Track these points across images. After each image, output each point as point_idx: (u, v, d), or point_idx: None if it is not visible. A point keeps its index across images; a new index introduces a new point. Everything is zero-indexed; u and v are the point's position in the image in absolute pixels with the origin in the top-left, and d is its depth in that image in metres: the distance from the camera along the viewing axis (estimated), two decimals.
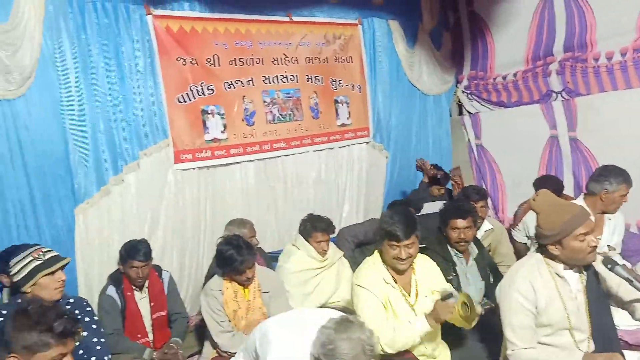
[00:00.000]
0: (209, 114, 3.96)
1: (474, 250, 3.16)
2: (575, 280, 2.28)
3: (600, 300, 2.29)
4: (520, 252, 3.78)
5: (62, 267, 2.45)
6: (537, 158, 4.85)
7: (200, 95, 3.90)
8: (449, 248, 3.10)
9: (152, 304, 3.32)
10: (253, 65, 4.18)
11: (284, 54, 4.36)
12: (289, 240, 4.03)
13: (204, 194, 3.96)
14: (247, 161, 4.20)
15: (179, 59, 3.77)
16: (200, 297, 3.18)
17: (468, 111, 5.49)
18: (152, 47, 3.65)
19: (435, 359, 2.62)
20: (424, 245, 3.14)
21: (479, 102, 5.35)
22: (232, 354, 2.73)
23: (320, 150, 4.66)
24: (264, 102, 4.27)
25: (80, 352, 2.35)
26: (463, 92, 5.49)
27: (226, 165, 4.08)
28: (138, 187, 3.62)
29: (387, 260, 2.57)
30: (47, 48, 3.14)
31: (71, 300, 2.61)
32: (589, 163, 4.43)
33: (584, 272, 2.29)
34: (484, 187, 5.02)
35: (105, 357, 2.57)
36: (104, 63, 3.43)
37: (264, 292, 3.13)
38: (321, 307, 3.41)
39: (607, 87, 4.30)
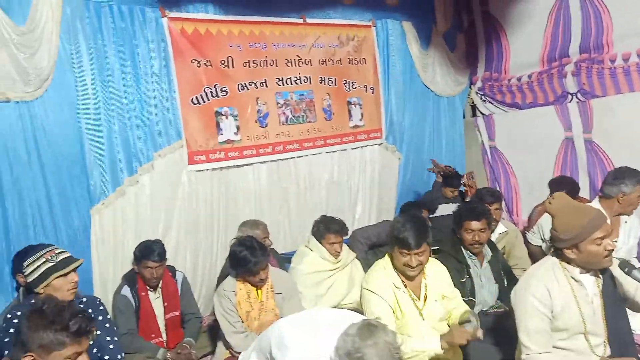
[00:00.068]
0: (223, 115, 3.98)
1: (488, 252, 3.14)
2: (592, 284, 2.25)
3: (616, 304, 2.26)
4: (534, 255, 3.75)
5: (74, 269, 2.48)
6: (551, 160, 4.81)
7: (214, 96, 3.92)
8: (463, 250, 3.07)
9: (166, 304, 3.35)
10: (267, 67, 4.20)
11: (297, 56, 4.37)
12: (302, 241, 4.04)
13: (217, 195, 3.98)
14: (260, 162, 4.21)
15: (193, 61, 3.80)
16: (214, 297, 3.20)
17: (482, 113, 5.46)
18: (167, 50, 3.68)
19: None
20: (437, 248, 3.13)
21: (492, 103, 5.32)
22: None
23: (333, 151, 4.66)
24: (277, 103, 4.28)
25: (94, 350, 2.37)
26: (477, 93, 5.46)
27: (239, 166, 4.10)
28: (152, 188, 3.65)
29: (398, 267, 2.56)
30: (64, 50, 3.18)
31: (84, 299, 2.64)
32: (605, 165, 4.38)
33: (600, 276, 2.26)
34: (497, 189, 4.99)
35: (119, 356, 2.59)
36: (120, 65, 3.46)
37: (277, 294, 3.14)
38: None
39: (623, 88, 4.25)
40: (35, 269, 2.42)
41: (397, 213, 4.73)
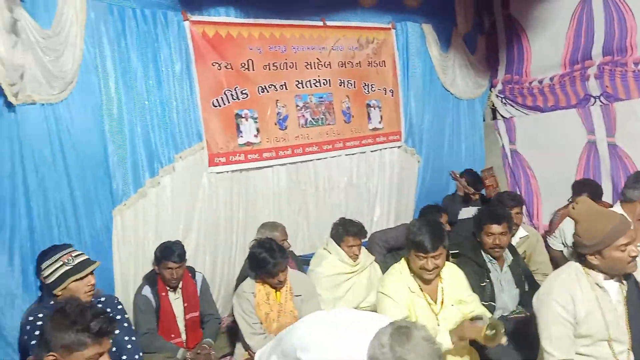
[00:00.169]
0: (243, 117, 4.01)
1: (508, 256, 3.11)
2: (616, 291, 2.22)
3: None
4: (556, 260, 3.70)
5: (91, 272, 2.51)
6: (574, 164, 4.74)
7: (234, 99, 3.95)
8: (483, 254, 3.05)
9: (186, 304, 3.38)
10: (287, 69, 4.22)
11: (317, 59, 4.38)
12: (320, 243, 4.05)
13: (237, 197, 4.00)
14: (279, 165, 4.22)
15: (214, 64, 3.83)
16: (233, 299, 3.22)
17: (502, 115, 5.41)
18: (188, 52, 3.71)
19: None
20: (457, 251, 3.11)
21: (513, 106, 5.26)
22: None
23: (352, 154, 4.65)
24: (297, 106, 4.30)
25: (113, 349, 2.40)
26: (497, 96, 5.41)
27: (259, 168, 4.12)
28: (173, 190, 3.68)
29: (414, 270, 2.55)
30: (88, 54, 3.23)
31: (102, 299, 2.67)
32: (628, 169, 4.30)
33: (624, 282, 2.23)
34: (518, 193, 4.94)
35: (136, 356, 2.62)
36: (143, 68, 3.50)
37: (296, 296, 3.15)
38: None
39: None
40: (52, 272, 2.46)
41: (416, 216, 4.71)
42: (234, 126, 3.97)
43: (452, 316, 2.54)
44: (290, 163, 4.28)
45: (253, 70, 4.03)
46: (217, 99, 3.87)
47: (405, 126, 4.97)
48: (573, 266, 2.27)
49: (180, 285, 3.37)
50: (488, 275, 3.00)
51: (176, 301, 3.36)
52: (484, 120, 5.58)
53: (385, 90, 4.83)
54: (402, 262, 2.64)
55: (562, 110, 4.80)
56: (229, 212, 3.96)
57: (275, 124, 4.18)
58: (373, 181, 4.81)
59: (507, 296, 3.02)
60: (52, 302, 2.49)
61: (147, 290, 3.30)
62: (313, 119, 4.39)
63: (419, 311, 2.50)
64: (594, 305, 2.17)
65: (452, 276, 2.65)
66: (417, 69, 4.98)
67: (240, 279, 3.47)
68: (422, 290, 2.55)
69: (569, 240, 3.66)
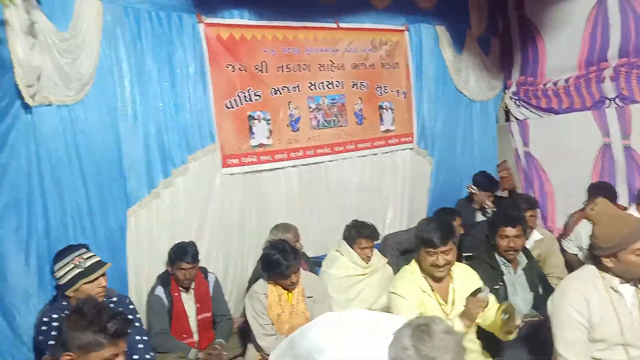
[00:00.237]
0: (256, 119, 4.02)
1: (522, 260, 3.09)
2: (631, 295, 2.20)
3: None
4: (571, 263, 3.67)
5: (102, 274, 2.53)
6: (588, 167, 4.70)
7: (247, 101, 3.97)
8: (497, 257, 3.04)
9: (198, 305, 3.40)
10: (300, 71, 4.23)
11: (330, 60, 4.39)
12: (332, 245, 4.04)
13: (249, 198, 4.02)
14: (291, 166, 4.23)
15: (228, 66, 3.85)
16: (245, 300, 3.23)
17: (516, 117, 5.37)
18: (202, 55, 3.73)
19: None
20: (471, 254, 3.10)
21: (527, 108, 5.22)
22: None
23: (364, 156, 4.65)
24: (309, 108, 4.31)
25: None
26: (511, 98, 5.38)
27: (271, 170, 4.13)
28: (186, 191, 3.70)
29: (425, 268, 2.55)
30: (104, 56, 3.25)
31: (114, 299, 2.70)
32: None
33: None
34: (532, 195, 4.90)
35: (147, 355, 2.64)
36: (157, 70, 3.52)
37: (308, 297, 3.15)
38: None
39: None
40: (64, 274, 2.49)
41: None
42: (247, 128, 3.98)
43: None
44: (302, 165, 4.29)
45: (266, 72, 4.05)
46: (230, 101, 3.89)
47: (418, 128, 4.96)
48: (588, 269, 2.25)
49: (192, 286, 3.39)
50: (502, 278, 2.98)
51: (189, 301, 3.38)
52: (497, 122, 5.55)
53: (398, 92, 4.82)
54: (413, 264, 2.64)
55: (577, 112, 4.78)
56: (241, 213, 3.97)
57: (288, 126, 4.19)
58: (385, 183, 4.81)
59: (521, 299, 2.99)
60: (64, 303, 2.52)
61: (160, 291, 3.32)
62: (325, 120, 4.40)
63: (430, 311, 2.49)
64: (609, 310, 2.16)
65: (465, 277, 2.64)
66: (430, 71, 4.97)
67: (253, 280, 3.48)
68: (433, 291, 2.55)
69: (585, 244, 3.63)
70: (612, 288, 2.18)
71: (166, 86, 3.58)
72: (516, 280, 3.02)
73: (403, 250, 3.92)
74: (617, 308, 2.16)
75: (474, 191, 4.59)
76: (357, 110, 4.58)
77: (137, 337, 2.60)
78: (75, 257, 2.51)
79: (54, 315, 2.48)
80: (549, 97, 5.00)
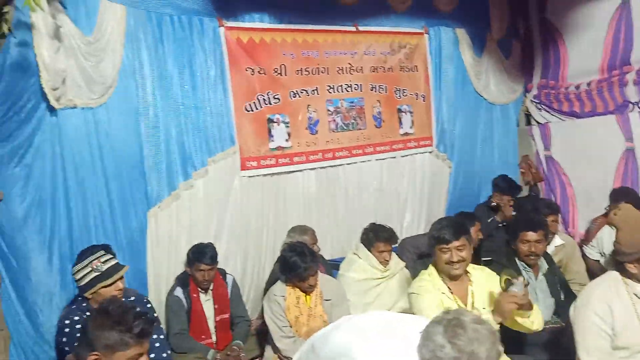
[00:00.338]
0: (275, 122, 4.04)
1: (543, 265, 3.05)
2: None
3: None
4: (593, 270, 3.62)
5: (120, 277, 2.56)
6: (611, 171, 4.63)
7: (266, 104, 3.99)
8: (517, 262, 3.01)
9: (216, 306, 3.42)
10: (319, 74, 4.24)
11: (349, 64, 4.39)
12: (349, 248, 4.04)
13: (268, 201, 4.03)
14: (310, 169, 4.24)
15: (247, 69, 3.88)
16: (263, 301, 3.25)
17: (537, 121, 5.31)
18: (223, 58, 3.75)
19: None
20: (491, 259, 3.07)
21: (549, 112, 5.16)
22: None
23: (382, 159, 4.63)
24: (328, 111, 4.31)
25: None
26: (532, 101, 5.32)
27: (289, 172, 4.14)
28: (206, 193, 3.72)
29: (441, 268, 2.55)
30: (127, 59, 3.30)
31: (132, 298, 2.73)
32: None
33: None
34: (553, 200, 4.85)
35: (164, 354, 2.67)
36: (178, 73, 3.56)
37: (326, 300, 3.15)
38: None
39: None
40: (82, 277, 2.52)
41: None
42: (266, 131, 4.00)
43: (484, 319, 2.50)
44: (320, 167, 4.29)
45: (285, 75, 4.07)
46: (250, 104, 3.91)
47: (437, 131, 4.93)
48: (612, 276, 2.23)
49: (211, 287, 3.41)
50: None
51: (207, 302, 3.41)
52: (517, 126, 5.49)
53: (417, 95, 4.80)
54: (431, 267, 2.65)
55: (599, 116, 4.71)
56: (260, 215, 3.99)
57: (306, 129, 4.20)
58: (403, 186, 4.78)
59: (542, 305, 2.95)
60: (84, 304, 2.56)
61: (179, 291, 3.35)
62: (344, 123, 4.40)
63: None
64: (632, 316, 2.13)
65: (483, 279, 2.60)
66: (449, 74, 4.94)
67: (270, 282, 3.50)
68: (452, 293, 2.53)
69: (607, 250, 3.58)
70: (636, 295, 2.15)
71: (187, 89, 3.61)
72: (537, 286, 2.99)
73: (420, 254, 3.90)
74: None
75: (500, 203, 4.52)
76: (375, 114, 4.58)
77: (154, 336, 2.63)
78: (94, 260, 2.54)
79: (76, 318, 2.52)
80: (571, 100, 4.94)
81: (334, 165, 4.37)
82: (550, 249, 3.40)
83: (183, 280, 3.39)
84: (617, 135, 4.55)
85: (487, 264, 3.05)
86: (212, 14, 3.70)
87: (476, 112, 5.16)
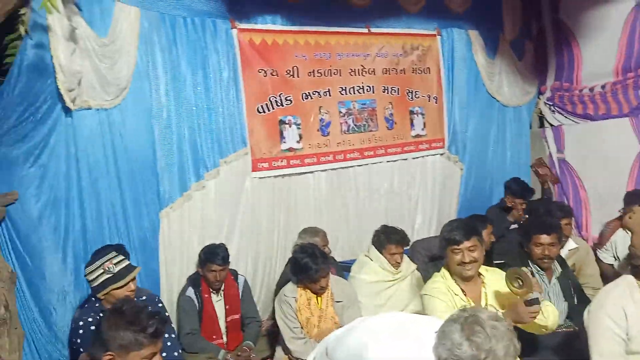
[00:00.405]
0: (286, 124, 4.05)
1: (557, 268, 3.03)
2: None
3: None
4: (606, 274, 3.58)
5: (132, 279, 2.58)
6: (625, 174, 4.58)
7: (278, 105, 4.00)
8: (531, 264, 2.98)
9: (227, 306, 3.43)
10: (331, 76, 4.24)
11: (361, 65, 4.39)
12: (360, 250, 4.04)
13: (278, 202, 4.04)
14: (321, 171, 4.24)
15: (260, 71, 3.89)
16: (274, 302, 3.26)
17: (550, 124, 5.27)
18: (235, 60, 3.77)
19: None
20: (504, 262, 3.05)
21: (562, 114, 5.12)
22: None
23: (394, 161, 4.63)
24: (340, 112, 4.31)
25: None
26: (545, 103, 5.28)
27: (300, 174, 4.14)
28: (217, 194, 3.74)
29: (453, 269, 2.54)
30: (141, 61, 3.33)
31: (143, 297, 2.75)
32: None
33: None
34: (566, 203, 4.80)
35: (175, 353, 2.68)
36: (191, 75, 3.58)
37: (337, 302, 3.16)
38: None
39: None
40: (95, 278, 2.54)
41: None
42: (278, 132, 4.01)
43: None
44: (331, 169, 4.29)
45: (298, 77, 4.07)
46: (262, 105, 3.92)
47: (449, 133, 4.91)
48: (626, 280, 2.20)
49: (222, 288, 3.42)
50: None
51: (218, 303, 3.42)
52: (530, 128, 5.46)
53: (429, 97, 4.79)
54: (443, 270, 2.64)
55: (613, 119, 4.66)
56: (270, 216, 4.00)
57: (318, 130, 4.21)
58: (414, 188, 4.77)
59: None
60: (97, 305, 2.58)
61: (190, 292, 3.37)
62: (355, 125, 4.40)
63: None
64: None
65: (496, 281, 2.58)
66: (462, 76, 4.92)
67: (281, 283, 3.50)
68: (465, 295, 2.52)
69: (621, 253, 3.54)
70: None
71: (200, 91, 3.63)
72: (550, 290, 2.96)
73: (432, 256, 3.88)
74: None
75: (513, 205, 4.48)
76: (387, 115, 4.57)
77: (165, 335, 2.65)
78: (106, 262, 2.55)
79: (89, 319, 2.54)
80: (584, 103, 4.89)
81: (345, 167, 4.37)
82: (563, 253, 3.37)
83: (195, 281, 3.40)
84: (631, 138, 4.50)
85: (499, 267, 3.03)
86: (224, 15, 3.72)
87: (489, 114, 5.13)
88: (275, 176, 4.01)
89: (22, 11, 2.65)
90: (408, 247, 3.78)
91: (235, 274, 3.55)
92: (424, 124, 4.77)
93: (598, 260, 3.72)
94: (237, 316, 3.48)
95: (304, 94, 4.12)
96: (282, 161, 4.03)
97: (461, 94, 4.93)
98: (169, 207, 3.53)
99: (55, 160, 3.00)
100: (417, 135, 4.74)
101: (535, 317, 2.29)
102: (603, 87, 4.72)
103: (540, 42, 5.28)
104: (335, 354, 1.89)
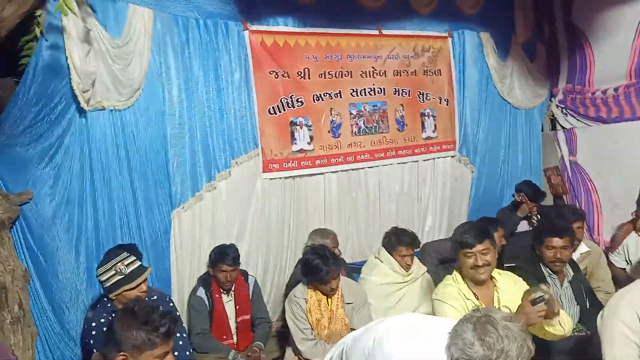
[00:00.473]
0: (297, 125, 4.06)
1: (569, 272, 3.00)
2: None
3: None
4: (618, 278, 3.55)
5: (143, 280, 2.59)
6: (637, 177, 4.50)
7: (289, 107, 4.01)
8: (542, 268, 2.96)
9: (238, 307, 3.44)
10: (342, 78, 4.24)
11: (372, 67, 4.39)
12: (370, 251, 4.04)
13: (289, 203, 4.05)
14: (331, 172, 4.24)
15: (271, 72, 3.90)
16: (285, 303, 3.26)
17: (562, 126, 5.24)
18: (247, 61, 3.79)
19: None
20: (515, 265, 3.03)
21: (575, 117, 5.08)
22: None
23: (404, 162, 4.62)
24: (351, 114, 4.31)
25: None
26: (557, 106, 5.24)
27: (311, 175, 4.15)
28: (228, 194, 3.76)
29: (466, 273, 2.52)
30: (154, 62, 3.35)
31: (155, 297, 2.76)
32: None
33: None
34: (578, 206, 4.77)
35: (187, 352, 2.70)
36: (204, 76, 3.60)
37: (347, 303, 3.15)
38: None
39: None
40: (107, 279, 2.55)
41: None
42: (289, 133, 4.02)
43: None
44: (342, 171, 4.29)
45: (309, 78, 4.08)
46: (273, 107, 3.94)
47: (460, 135, 4.90)
48: None
49: (233, 288, 3.43)
50: None
51: (228, 303, 3.43)
52: (542, 131, 5.42)
53: (440, 99, 4.78)
54: (455, 273, 2.62)
55: (626, 122, 4.62)
56: (281, 217, 4.01)
57: (329, 132, 4.21)
58: (425, 190, 4.76)
59: (567, 313, 2.90)
60: (109, 305, 2.60)
61: (201, 292, 3.38)
62: (366, 127, 4.40)
63: None
64: None
65: (509, 285, 2.57)
66: (473, 78, 4.90)
67: (291, 284, 3.50)
68: (477, 299, 2.51)
69: (633, 257, 3.51)
70: None
71: (212, 92, 3.65)
72: (562, 293, 2.94)
73: (442, 259, 3.87)
74: None
75: (523, 199, 4.46)
76: (398, 117, 4.57)
77: (177, 334, 2.66)
78: (117, 263, 2.56)
79: (102, 320, 2.56)
80: (597, 105, 4.86)
81: (356, 169, 4.37)
82: (575, 256, 3.35)
83: (205, 281, 3.42)
84: None
85: (510, 270, 3.02)
86: (236, 17, 3.74)
87: (500, 116, 5.11)
88: (286, 177, 4.02)
89: (38, 13, 2.68)
90: (418, 249, 3.78)
91: (245, 274, 3.56)
92: (435, 126, 4.76)
93: (610, 264, 3.69)
94: (247, 317, 3.49)
95: (315, 96, 4.12)
96: (292, 162, 4.04)
97: (472, 96, 4.92)
98: (181, 208, 3.55)
99: (69, 161, 3.03)
100: (428, 137, 4.73)
101: (542, 317, 2.25)
102: (616, 89, 4.69)
103: (552, 44, 5.25)
104: (351, 353, 1.90)
